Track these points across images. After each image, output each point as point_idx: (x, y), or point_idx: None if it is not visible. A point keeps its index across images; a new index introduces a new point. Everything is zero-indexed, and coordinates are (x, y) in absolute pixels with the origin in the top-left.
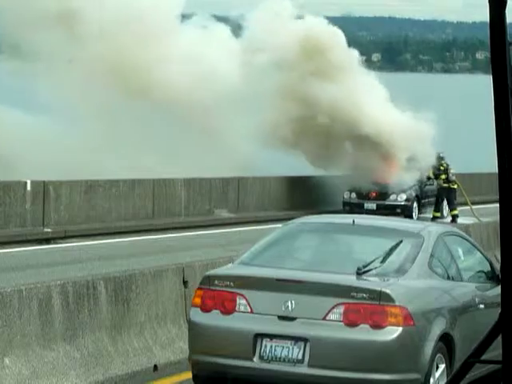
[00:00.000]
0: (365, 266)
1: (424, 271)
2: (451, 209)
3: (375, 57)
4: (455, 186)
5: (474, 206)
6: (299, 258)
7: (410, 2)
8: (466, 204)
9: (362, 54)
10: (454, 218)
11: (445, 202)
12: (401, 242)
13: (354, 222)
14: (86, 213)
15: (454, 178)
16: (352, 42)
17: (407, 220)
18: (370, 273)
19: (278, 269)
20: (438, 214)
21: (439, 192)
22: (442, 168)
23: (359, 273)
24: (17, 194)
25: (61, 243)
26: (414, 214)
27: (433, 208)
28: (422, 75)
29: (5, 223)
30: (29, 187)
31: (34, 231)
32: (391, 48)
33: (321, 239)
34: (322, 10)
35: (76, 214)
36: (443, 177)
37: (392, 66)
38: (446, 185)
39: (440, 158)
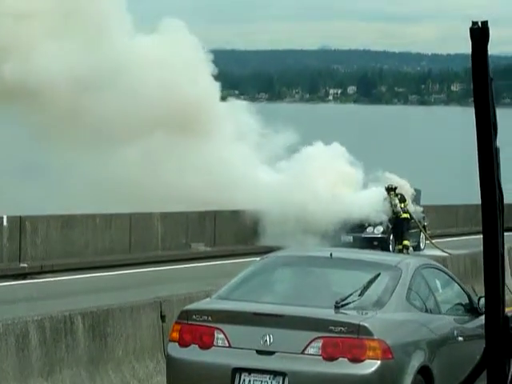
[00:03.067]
0: (343, 300)
1: (402, 304)
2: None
3: (351, 89)
4: (405, 216)
5: (452, 239)
6: (277, 292)
7: (385, 34)
8: (439, 236)
9: (337, 86)
10: (404, 249)
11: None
12: (379, 274)
13: (331, 255)
14: (62, 247)
15: (399, 208)
16: (328, 75)
17: (385, 253)
18: (348, 306)
19: (256, 303)
20: (400, 247)
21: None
22: (388, 200)
23: (337, 306)
24: None
25: (38, 278)
26: (391, 247)
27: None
28: (397, 107)
29: None
30: (5, 222)
31: (11, 266)
32: (366, 80)
33: (298, 273)
34: (300, 44)
35: (53, 248)
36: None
37: (367, 98)
38: (394, 216)
39: (389, 190)
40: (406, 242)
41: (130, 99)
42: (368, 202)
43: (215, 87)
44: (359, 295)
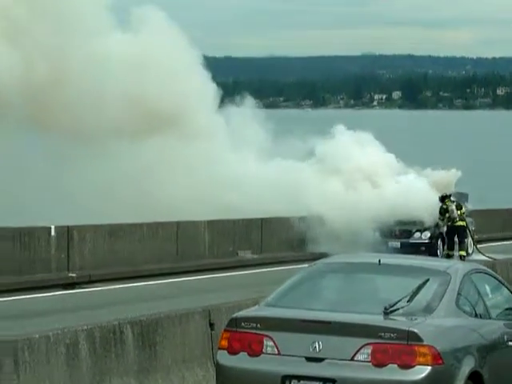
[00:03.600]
0: (392, 306)
1: (452, 309)
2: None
3: (396, 95)
4: (461, 224)
5: (498, 243)
6: (326, 299)
7: (429, 39)
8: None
9: (382, 92)
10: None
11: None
12: (427, 280)
13: (379, 261)
14: (110, 257)
15: (456, 214)
16: (372, 81)
17: (433, 258)
18: (398, 312)
19: (305, 310)
20: (450, 253)
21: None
22: (444, 207)
23: (386, 312)
24: (41, 239)
25: (86, 288)
26: (438, 252)
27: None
28: (442, 112)
29: (30, 269)
30: (53, 232)
31: (59, 276)
32: (411, 85)
33: (347, 279)
34: (344, 49)
35: (100, 258)
36: (447, 215)
37: (412, 103)
38: (449, 223)
39: (443, 197)
40: (462, 253)
41: (96, 102)
42: (415, 200)
43: (204, 89)
44: (408, 301)
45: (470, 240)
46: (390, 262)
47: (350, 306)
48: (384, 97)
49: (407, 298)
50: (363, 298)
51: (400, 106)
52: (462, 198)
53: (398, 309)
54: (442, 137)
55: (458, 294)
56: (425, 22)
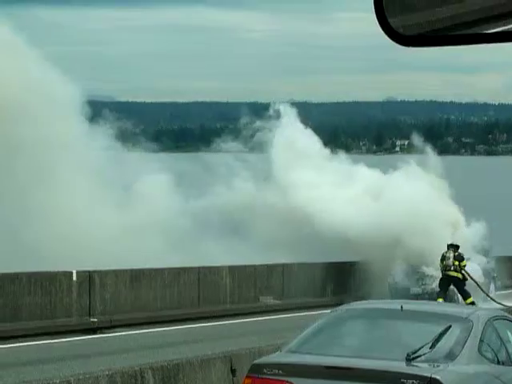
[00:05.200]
0: (414, 352)
1: (474, 356)
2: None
3: (418, 140)
4: (455, 274)
5: None
6: (348, 345)
7: (451, 85)
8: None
9: (404, 137)
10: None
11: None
12: (450, 326)
13: (402, 307)
14: (131, 302)
15: (451, 263)
16: (394, 126)
17: (455, 305)
18: (420, 359)
19: (327, 356)
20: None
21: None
22: (444, 254)
23: (408, 359)
24: (63, 284)
25: (107, 333)
26: (459, 298)
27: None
28: (464, 158)
29: (51, 313)
30: (74, 277)
31: (80, 321)
32: (433, 131)
33: (369, 325)
34: (367, 96)
35: (122, 303)
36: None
37: (434, 148)
38: (443, 271)
39: (449, 246)
40: (468, 301)
41: None
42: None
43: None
44: (430, 347)
45: (492, 286)
46: (411, 308)
47: (373, 353)
48: (406, 142)
49: (429, 345)
50: (385, 344)
51: (422, 152)
52: (486, 245)
53: (421, 355)
54: (465, 182)
55: (480, 340)
56: (447, 67)
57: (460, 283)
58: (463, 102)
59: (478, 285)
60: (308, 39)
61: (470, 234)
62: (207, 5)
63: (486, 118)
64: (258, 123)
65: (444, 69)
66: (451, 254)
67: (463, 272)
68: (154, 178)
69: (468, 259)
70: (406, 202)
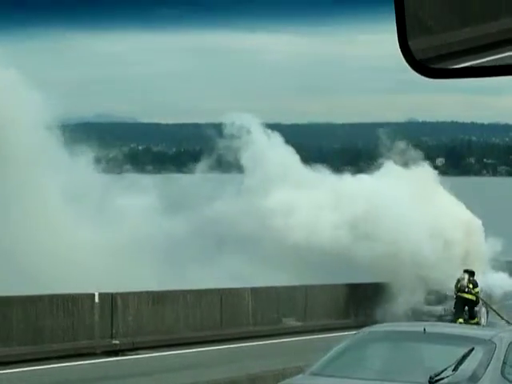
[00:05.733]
0: (437, 375)
1: (497, 379)
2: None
3: (439, 161)
4: (469, 297)
5: None
6: (371, 368)
7: (472, 106)
8: None
9: (426, 158)
10: None
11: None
12: (473, 349)
13: (425, 330)
14: (153, 324)
15: (465, 285)
16: (416, 147)
17: (478, 327)
18: (443, 381)
19: (350, 379)
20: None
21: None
22: (459, 277)
23: (432, 382)
24: (85, 306)
25: (129, 355)
26: (482, 320)
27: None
28: (486, 179)
29: (73, 335)
30: (97, 299)
31: (102, 343)
32: (455, 152)
33: (392, 348)
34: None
35: (144, 325)
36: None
37: (456, 170)
38: (458, 293)
39: (464, 271)
40: (474, 321)
41: None
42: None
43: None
44: (453, 370)
45: (483, 311)
46: (434, 331)
47: (396, 375)
48: (428, 163)
49: (452, 367)
50: (408, 367)
51: (443, 173)
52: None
53: (443, 378)
54: (488, 203)
55: (504, 363)
56: (468, 88)
57: (473, 304)
58: (485, 123)
59: (492, 308)
60: (330, 60)
61: (487, 245)
62: (230, 28)
63: (507, 139)
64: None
65: (465, 90)
66: (466, 277)
67: (477, 295)
68: (136, 199)
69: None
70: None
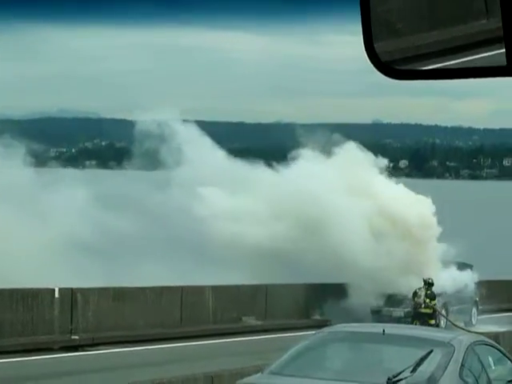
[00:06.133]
0: (395, 376)
1: (455, 381)
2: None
3: (403, 163)
4: (426, 311)
5: (504, 314)
6: (329, 368)
7: (436, 109)
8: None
9: (389, 160)
10: None
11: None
12: (431, 351)
13: (384, 331)
14: (113, 320)
15: (422, 300)
16: (380, 149)
17: (437, 329)
18: (401, 383)
19: (308, 378)
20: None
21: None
22: (417, 292)
23: (390, 383)
24: (45, 301)
25: (88, 351)
26: (442, 323)
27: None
28: (449, 182)
29: (32, 330)
30: (57, 294)
31: (62, 338)
32: (418, 155)
33: (351, 348)
34: (353, 118)
35: (104, 321)
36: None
37: (419, 172)
38: (415, 309)
39: (424, 282)
40: (433, 321)
41: None
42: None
43: None
44: (412, 371)
45: (473, 310)
46: (394, 332)
47: (354, 376)
48: (391, 165)
49: (411, 369)
50: (367, 368)
51: (407, 175)
52: (466, 268)
53: (402, 379)
54: (449, 206)
55: (462, 365)
56: (432, 91)
57: (430, 317)
58: (448, 126)
59: (446, 318)
60: (296, 61)
61: (443, 245)
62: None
63: (470, 143)
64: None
65: (430, 93)
66: (423, 292)
67: (434, 308)
68: (69, 193)
69: (439, 295)
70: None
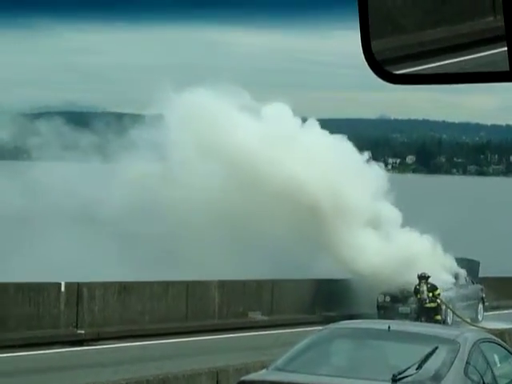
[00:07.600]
0: (400, 373)
1: (460, 378)
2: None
3: (409, 159)
4: (432, 305)
5: (507, 311)
6: (334, 364)
7: (444, 104)
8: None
9: (396, 155)
10: None
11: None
12: (436, 348)
13: (389, 327)
14: (119, 314)
15: (426, 296)
16: (386, 144)
17: (443, 326)
18: (406, 380)
19: (313, 375)
20: None
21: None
22: (417, 288)
23: (395, 380)
24: (50, 295)
25: (94, 345)
26: (448, 319)
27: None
28: (456, 178)
29: (38, 324)
30: (63, 289)
31: (67, 333)
32: (425, 150)
33: (356, 345)
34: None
35: (109, 315)
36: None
37: (426, 168)
38: (420, 304)
39: (420, 278)
40: (438, 317)
41: None
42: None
43: None
44: (417, 368)
45: (480, 306)
46: (399, 329)
47: (359, 372)
48: (398, 161)
49: (416, 366)
50: (372, 365)
51: (414, 171)
52: (473, 265)
53: (407, 376)
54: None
55: (467, 362)
56: (440, 87)
57: (436, 311)
58: (456, 121)
59: (452, 311)
60: (301, 55)
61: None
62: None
63: (477, 139)
64: None
65: (437, 89)
66: (424, 287)
67: (438, 301)
68: None
69: (449, 289)
70: None
